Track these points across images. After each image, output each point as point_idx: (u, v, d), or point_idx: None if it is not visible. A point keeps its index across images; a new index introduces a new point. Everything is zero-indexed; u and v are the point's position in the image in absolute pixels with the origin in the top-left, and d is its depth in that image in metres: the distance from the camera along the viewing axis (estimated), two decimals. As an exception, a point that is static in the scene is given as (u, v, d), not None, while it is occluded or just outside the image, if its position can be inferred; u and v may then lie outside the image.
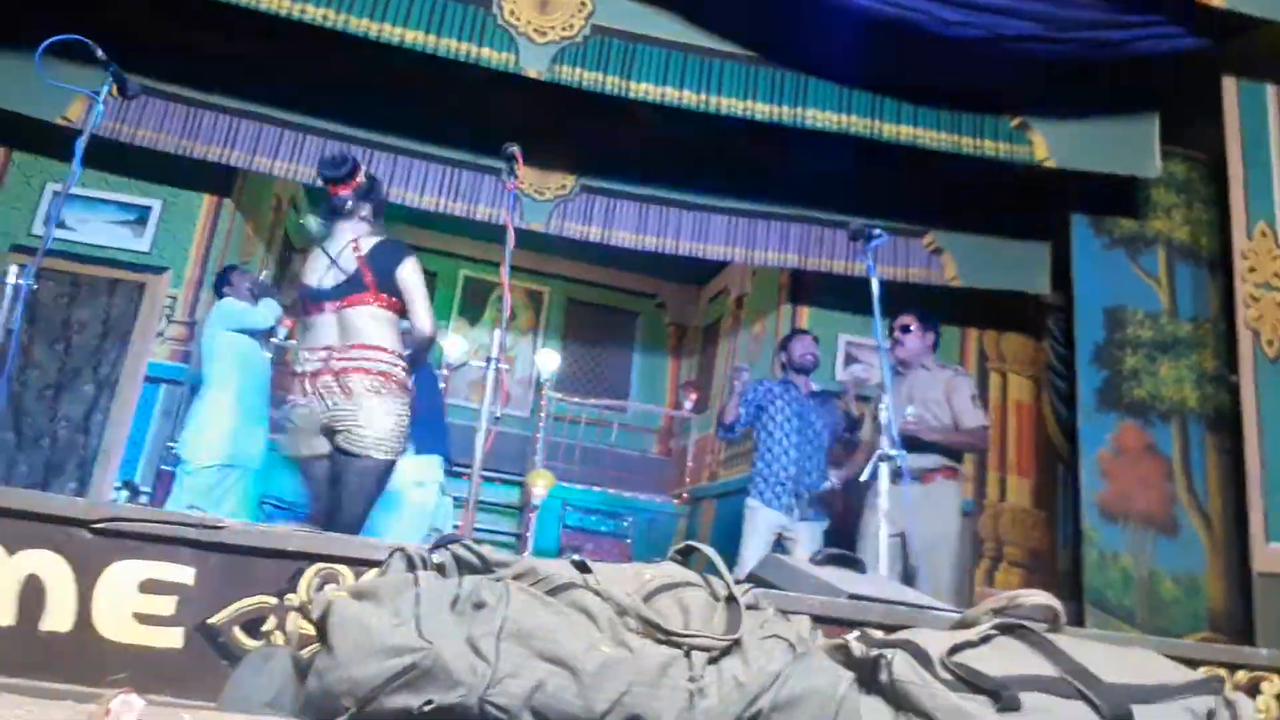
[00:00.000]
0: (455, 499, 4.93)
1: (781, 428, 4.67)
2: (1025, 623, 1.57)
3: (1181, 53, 4.38)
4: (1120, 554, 4.88)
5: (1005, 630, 1.55)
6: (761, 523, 4.55)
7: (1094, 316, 5.25)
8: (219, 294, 5.06)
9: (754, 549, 4.44)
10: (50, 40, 2.86)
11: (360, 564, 1.88)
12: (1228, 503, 4.79)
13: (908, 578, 3.81)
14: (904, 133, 4.93)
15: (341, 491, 2.98)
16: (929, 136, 4.95)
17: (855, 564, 2.40)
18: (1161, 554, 4.82)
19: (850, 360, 6.45)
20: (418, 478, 4.57)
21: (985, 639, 1.54)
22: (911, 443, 3.84)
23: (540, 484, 6.73)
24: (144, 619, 1.84)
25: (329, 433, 3.02)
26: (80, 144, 3.00)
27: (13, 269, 2.68)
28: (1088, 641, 1.60)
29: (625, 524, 7.14)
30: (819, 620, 1.88)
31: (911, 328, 4.34)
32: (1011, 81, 4.86)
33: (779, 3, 4.52)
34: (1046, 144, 4.98)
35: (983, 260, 5.90)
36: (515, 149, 3.18)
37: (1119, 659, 1.56)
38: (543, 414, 7.86)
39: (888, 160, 5.35)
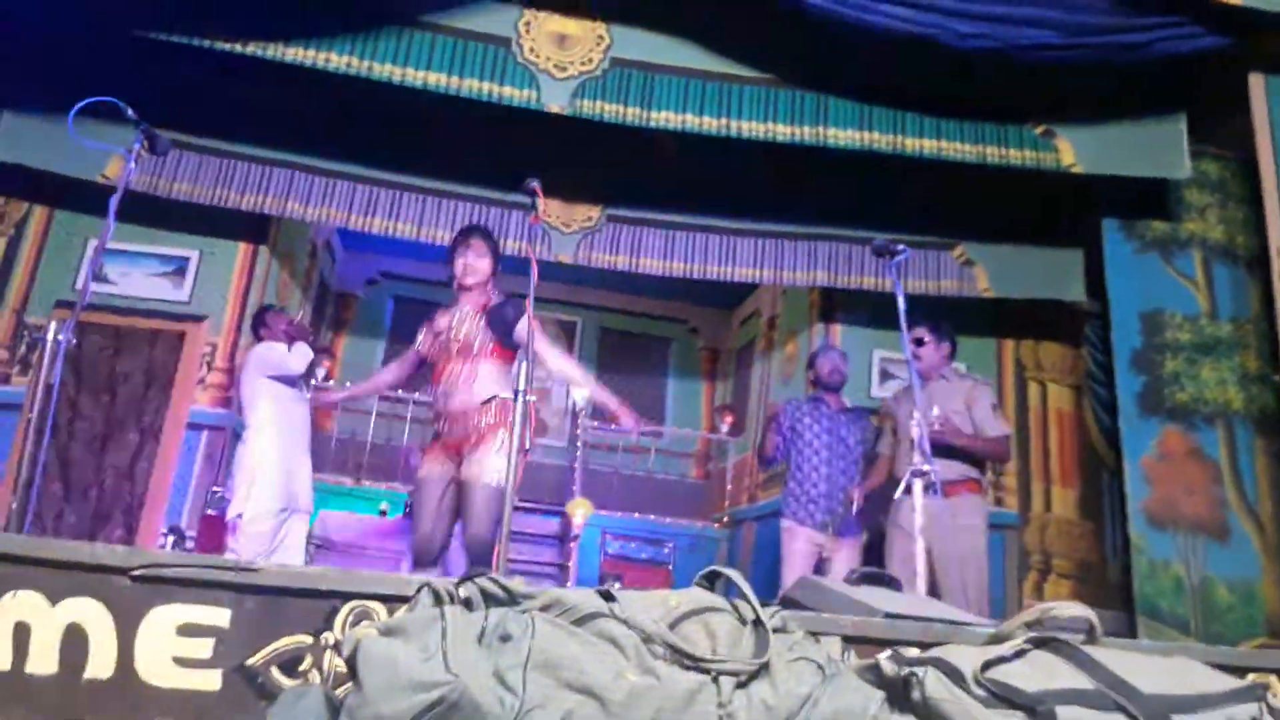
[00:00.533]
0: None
1: (811, 445, 4.67)
2: (1060, 635, 1.55)
3: (1202, 52, 4.33)
4: (1171, 562, 4.78)
5: (1040, 644, 1.53)
6: (799, 543, 4.54)
7: (1131, 321, 5.17)
8: (255, 335, 5.15)
9: (795, 570, 4.42)
10: (81, 104, 2.95)
11: (393, 600, 1.90)
12: (1280, 505, 4.68)
13: (933, 594, 3.76)
14: (927, 146, 4.92)
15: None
16: (953, 149, 4.93)
17: (890, 583, 2.38)
18: (1213, 560, 4.71)
19: (885, 376, 6.41)
20: None
21: (1019, 653, 1.52)
22: (936, 449, 3.79)
23: (579, 513, 6.74)
24: (183, 662, 1.87)
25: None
26: (114, 200, 3.10)
27: (52, 325, 2.76)
28: (1126, 652, 1.57)
29: (666, 550, 7.12)
30: (852, 640, 1.87)
31: (926, 340, 4.36)
32: (1033, 89, 4.84)
33: (795, 26, 4.54)
34: (1073, 150, 4.94)
35: (1015, 270, 5.86)
36: (536, 183, 3.22)
37: (1158, 669, 1.53)
38: (579, 443, 7.88)
39: (913, 174, 5.33)
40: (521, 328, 3.45)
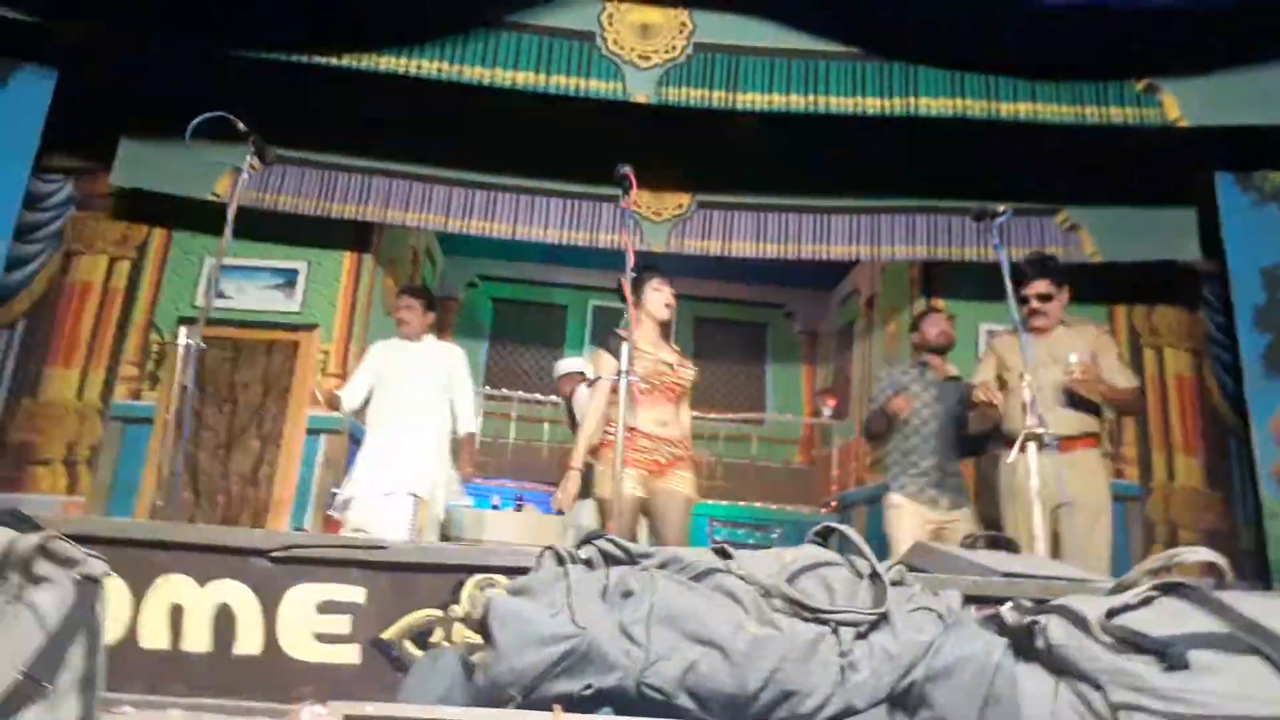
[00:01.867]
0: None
1: (919, 414, 4.43)
2: (1188, 581, 1.51)
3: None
4: (1307, 525, 4.56)
5: (1166, 590, 1.50)
6: (907, 520, 4.31)
7: (1251, 278, 4.95)
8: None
9: (904, 547, 4.32)
10: (198, 120, 3.12)
11: (515, 571, 1.97)
12: None
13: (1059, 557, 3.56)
14: (1023, 110, 4.80)
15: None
16: (1050, 111, 4.79)
17: (1008, 545, 2.35)
18: (1353, 521, 4.47)
19: (991, 349, 6.25)
20: None
21: (1145, 600, 1.49)
22: (1071, 399, 3.70)
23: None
24: (323, 638, 1.98)
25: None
26: (230, 213, 3.27)
27: (182, 331, 2.94)
28: (1259, 596, 1.53)
29: (774, 536, 7.09)
30: (971, 600, 1.85)
31: (1052, 294, 4.08)
32: (1133, 44, 4.66)
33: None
34: (1178, 103, 4.75)
35: (1123, 232, 5.64)
36: (627, 169, 3.27)
37: (1297, 613, 1.48)
38: (681, 432, 7.91)
39: (1010, 140, 5.20)
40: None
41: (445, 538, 5.40)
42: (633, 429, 3.65)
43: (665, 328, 4.13)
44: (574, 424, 5.82)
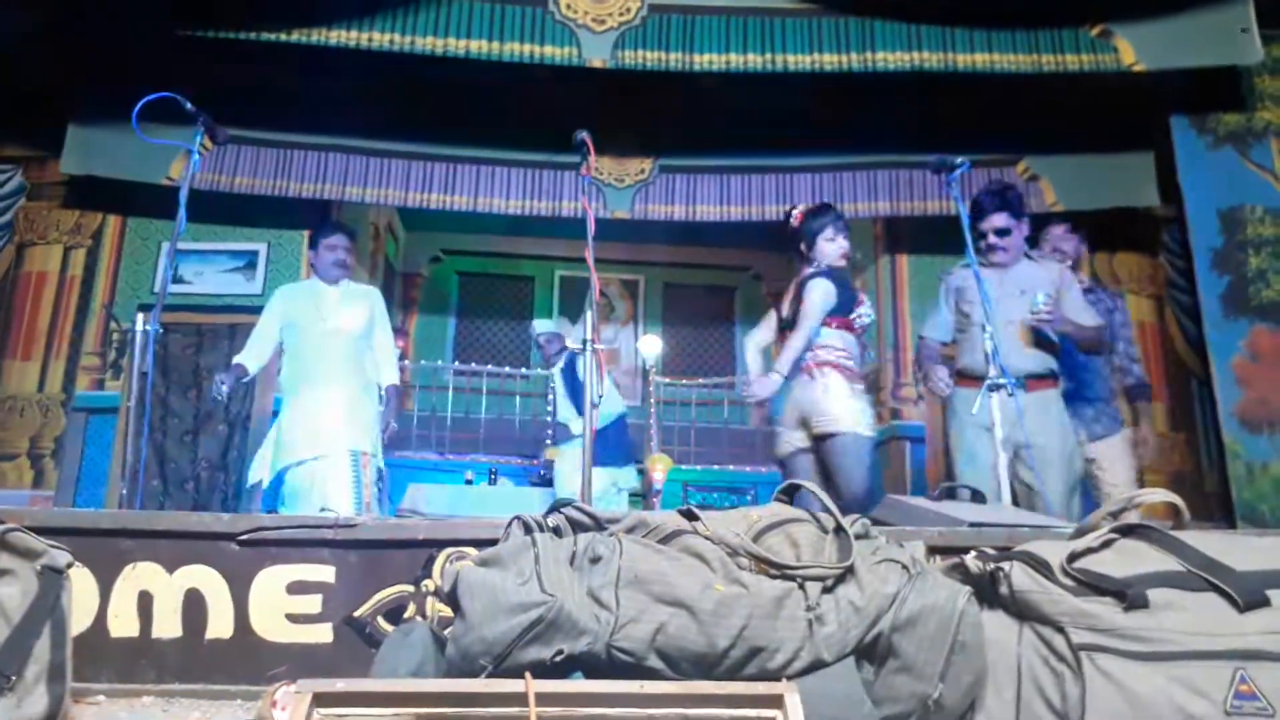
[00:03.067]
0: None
1: None
2: (1145, 523, 1.54)
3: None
4: (1269, 463, 4.65)
5: (1125, 532, 1.52)
6: None
7: (1209, 221, 4.99)
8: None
9: None
10: (144, 100, 3.05)
11: (487, 543, 1.97)
12: (1382, 394, 4.51)
13: (1022, 503, 3.42)
14: (980, 60, 4.81)
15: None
16: (1006, 60, 4.81)
17: (975, 496, 2.37)
18: (1314, 455, 4.57)
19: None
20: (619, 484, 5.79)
21: (1106, 543, 1.51)
22: (1035, 337, 3.60)
23: (659, 468, 6.79)
24: (295, 618, 1.97)
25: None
26: (183, 195, 3.21)
27: (139, 316, 2.89)
28: (1217, 534, 1.56)
29: (748, 498, 7.14)
30: (936, 551, 1.88)
31: (1011, 229, 3.78)
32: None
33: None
34: (1132, 48, 4.77)
35: (1083, 180, 5.69)
36: (585, 135, 3.25)
37: (1252, 548, 1.51)
38: (652, 400, 7.93)
39: (968, 92, 5.21)
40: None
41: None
42: None
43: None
44: (573, 391, 5.81)
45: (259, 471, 4.19)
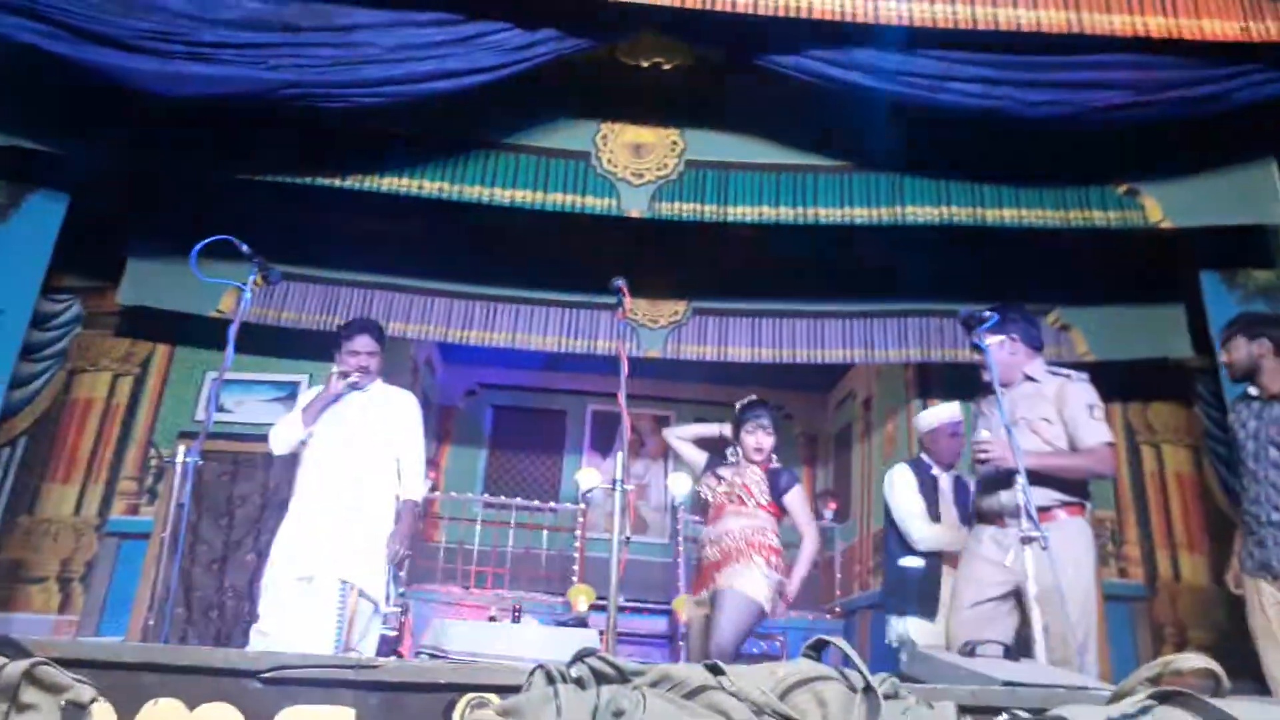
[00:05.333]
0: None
1: None
2: (1184, 690, 1.50)
3: (1283, 95, 4.27)
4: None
5: (1163, 699, 1.48)
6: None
7: (1243, 374, 4.98)
8: None
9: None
10: (202, 243, 3.21)
11: (510, 689, 1.94)
12: None
13: (1026, 641, 3.13)
14: (1008, 215, 4.93)
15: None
16: (1034, 215, 4.92)
17: (1007, 652, 2.32)
18: (1364, 620, 4.38)
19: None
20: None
21: (1143, 710, 1.47)
22: (1006, 479, 3.28)
23: (685, 610, 6.67)
24: (313, 762, 1.94)
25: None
26: (232, 331, 3.34)
27: (180, 449, 2.96)
28: (1257, 705, 1.51)
29: (778, 643, 6.95)
30: (967, 711, 1.82)
31: (987, 344, 3.37)
32: (1112, 149, 4.82)
33: (867, 111, 4.65)
34: (1159, 206, 4.88)
35: (1114, 331, 5.72)
36: (621, 282, 3.35)
37: (1296, 722, 1.47)
38: (680, 539, 7.85)
39: (999, 244, 5.32)
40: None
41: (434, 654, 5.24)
42: None
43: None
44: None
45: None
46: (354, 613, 3.66)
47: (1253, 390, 3.89)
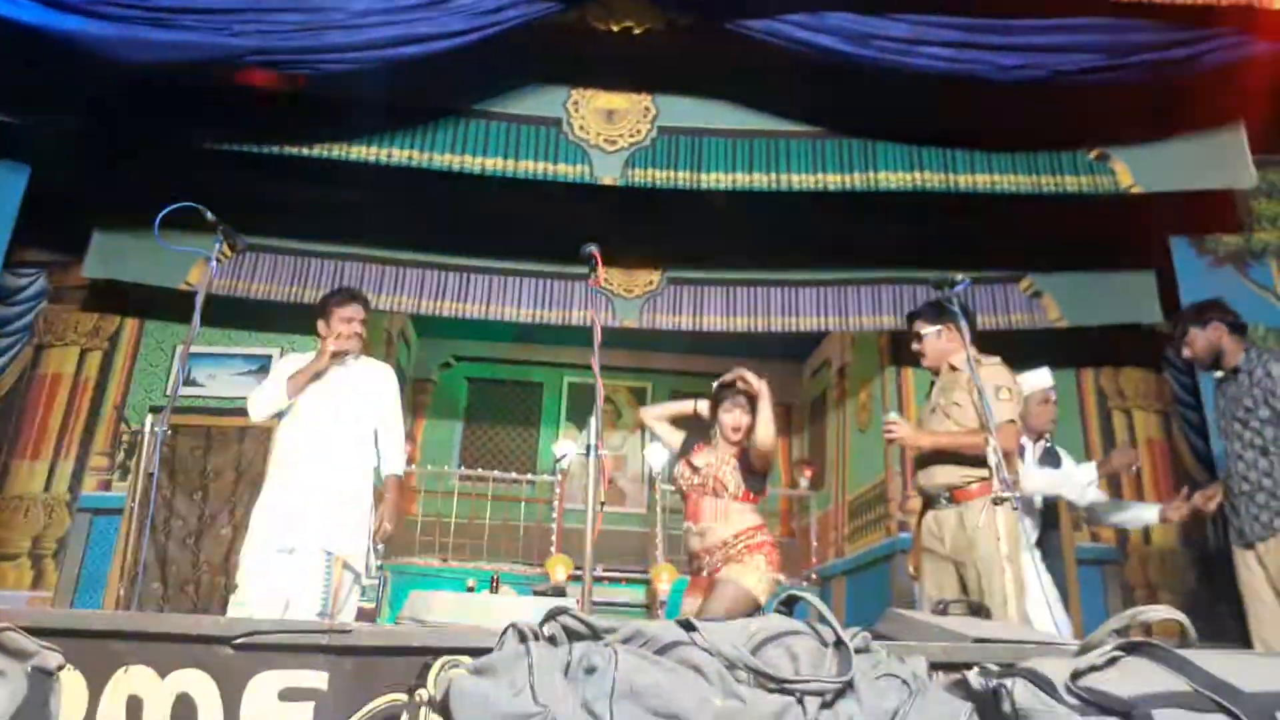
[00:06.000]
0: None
1: None
2: (1151, 640, 1.52)
3: (1253, 59, 4.29)
4: (1283, 583, 4.55)
5: (1130, 649, 1.50)
6: None
7: (1212, 338, 5.03)
8: None
9: None
10: (166, 210, 3.16)
11: (484, 652, 1.93)
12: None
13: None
14: (980, 181, 4.94)
15: None
16: (1006, 181, 4.94)
17: (979, 610, 2.34)
18: (1330, 576, 4.47)
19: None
20: None
21: (1111, 661, 1.49)
22: (935, 457, 3.56)
23: (663, 578, 6.70)
24: (286, 727, 1.93)
25: None
26: (199, 300, 3.29)
27: (149, 418, 2.93)
28: (1224, 653, 1.53)
29: (756, 611, 7.01)
30: (939, 666, 1.84)
31: (924, 332, 3.75)
32: (1083, 114, 4.83)
33: (837, 78, 4.63)
34: (1130, 171, 4.91)
35: (1086, 297, 5.77)
36: (594, 248, 3.32)
37: (1260, 668, 1.48)
38: (659, 509, 7.87)
39: (971, 211, 5.33)
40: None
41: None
42: None
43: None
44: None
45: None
46: (339, 584, 3.63)
47: (1218, 373, 4.03)
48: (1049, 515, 4.36)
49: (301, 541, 3.60)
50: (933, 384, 3.93)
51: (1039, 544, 3.97)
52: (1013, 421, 3.49)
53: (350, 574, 3.76)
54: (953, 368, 3.71)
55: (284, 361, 3.98)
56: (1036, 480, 4.03)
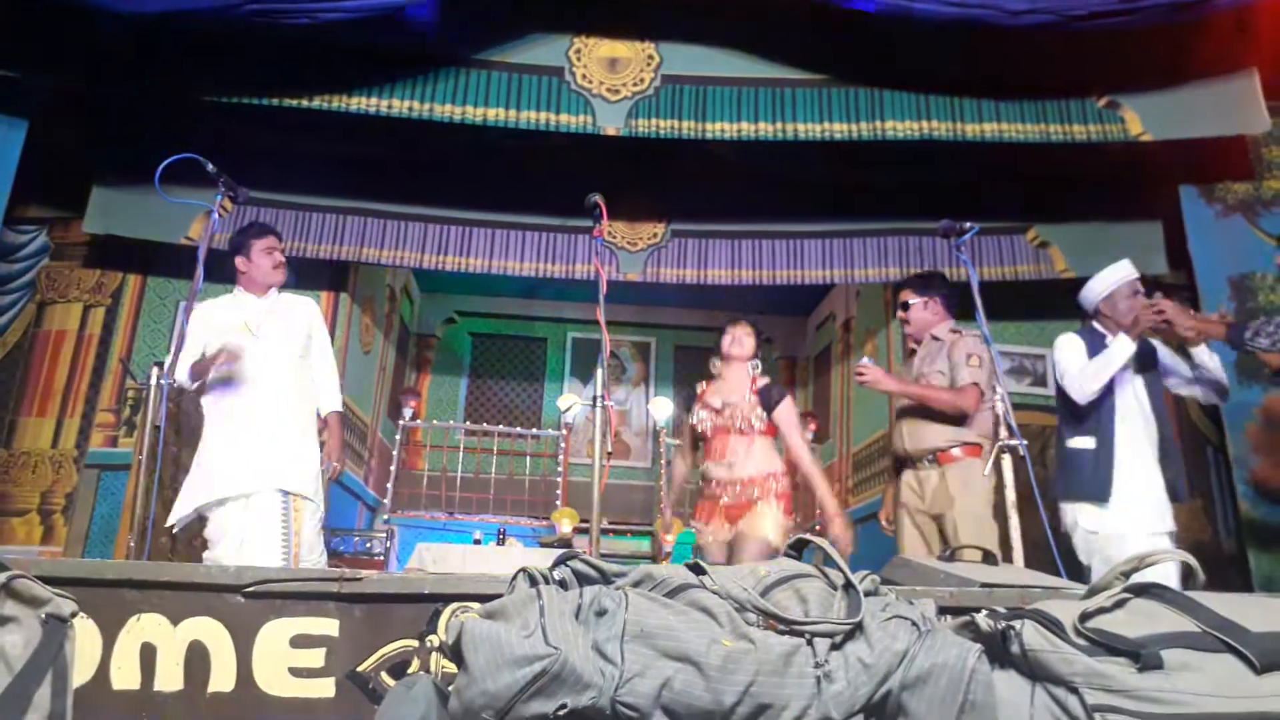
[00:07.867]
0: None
1: None
2: (1159, 583, 1.52)
3: (1267, 1, 4.21)
4: (1287, 530, 4.59)
5: (1138, 592, 1.50)
6: None
7: (1219, 288, 5.02)
8: None
9: None
10: (166, 162, 3.12)
11: (493, 598, 1.95)
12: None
13: None
14: (988, 130, 4.88)
15: None
16: (1014, 130, 4.88)
17: (986, 557, 2.35)
18: (1332, 524, 4.51)
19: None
20: None
21: (1119, 603, 1.49)
22: (923, 419, 3.77)
23: (670, 532, 6.75)
24: (298, 672, 1.95)
25: None
26: (201, 253, 3.27)
27: (154, 370, 2.92)
28: (1230, 595, 1.54)
29: (760, 561, 7.08)
30: (947, 611, 1.85)
31: (911, 302, 3.98)
32: (1092, 61, 4.76)
33: (844, 25, 4.56)
34: (1140, 119, 4.84)
35: (1093, 247, 5.71)
36: (598, 197, 3.28)
37: (1267, 610, 1.49)
38: (663, 462, 7.91)
39: (978, 160, 5.28)
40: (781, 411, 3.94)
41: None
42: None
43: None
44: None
45: (177, 512, 3.62)
46: (300, 522, 3.52)
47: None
48: None
49: (255, 484, 3.48)
50: (912, 351, 4.09)
51: None
52: (976, 384, 3.70)
53: (310, 504, 3.60)
54: (935, 338, 3.93)
55: (194, 322, 3.53)
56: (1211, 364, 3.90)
